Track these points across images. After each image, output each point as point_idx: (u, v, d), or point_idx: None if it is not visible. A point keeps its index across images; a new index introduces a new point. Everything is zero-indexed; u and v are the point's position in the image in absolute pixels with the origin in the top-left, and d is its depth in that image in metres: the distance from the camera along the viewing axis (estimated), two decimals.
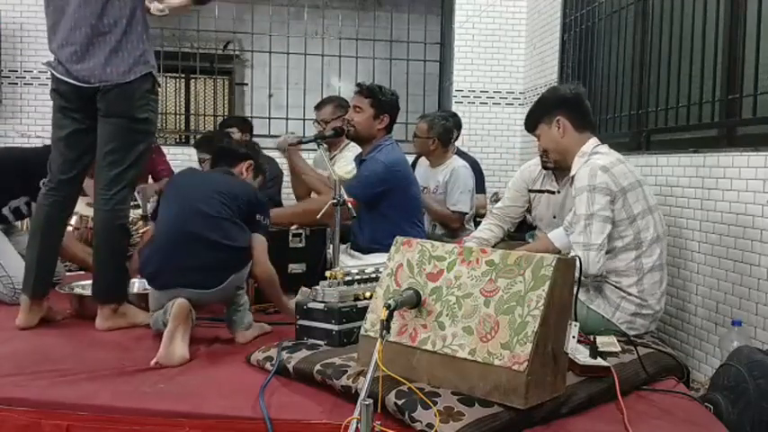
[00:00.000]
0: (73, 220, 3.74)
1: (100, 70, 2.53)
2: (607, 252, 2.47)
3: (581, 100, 2.70)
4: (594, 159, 2.48)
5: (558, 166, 3.00)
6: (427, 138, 4.20)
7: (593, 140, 2.59)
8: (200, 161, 4.09)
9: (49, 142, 2.78)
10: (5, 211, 3.17)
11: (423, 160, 4.44)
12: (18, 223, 3.49)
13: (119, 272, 2.66)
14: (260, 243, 2.55)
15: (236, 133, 4.52)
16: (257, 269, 2.54)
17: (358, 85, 3.36)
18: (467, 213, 4.13)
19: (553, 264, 1.72)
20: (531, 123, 2.77)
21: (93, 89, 2.56)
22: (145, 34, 2.63)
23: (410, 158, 4.16)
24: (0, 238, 3.11)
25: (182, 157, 5.10)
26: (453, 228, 4.12)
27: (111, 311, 2.61)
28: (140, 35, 2.60)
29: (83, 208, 3.88)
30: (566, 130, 2.61)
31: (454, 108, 5.50)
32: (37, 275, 2.67)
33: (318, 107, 4.24)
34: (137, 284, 2.95)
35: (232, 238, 2.44)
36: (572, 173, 2.58)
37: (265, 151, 4.08)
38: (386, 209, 3.20)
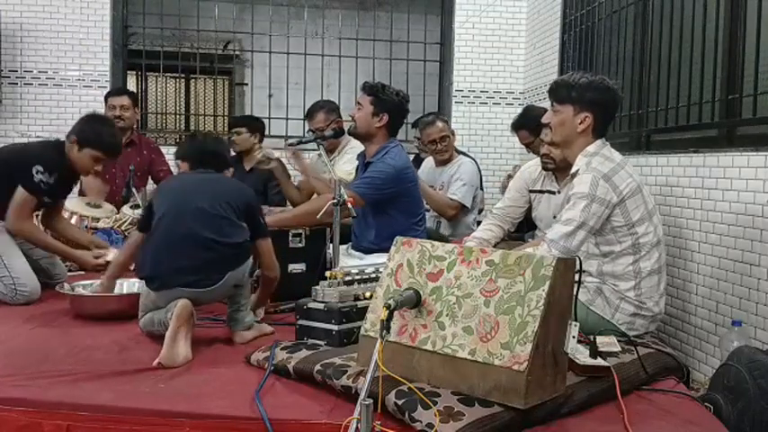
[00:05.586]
0: (73, 220, 3.74)
1: None
2: (605, 256, 2.48)
3: (616, 109, 2.63)
4: (597, 164, 2.45)
5: (557, 166, 3.01)
6: (448, 135, 4.17)
7: (600, 142, 2.55)
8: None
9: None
10: None
11: (428, 161, 4.42)
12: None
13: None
14: (268, 247, 2.59)
15: (243, 133, 4.46)
16: (270, 273, 2.62)
17: (364, 82, 3.39)
18: (465, 206, 4.07)
19: (553, 264, 1.72)
20: (561, 96, 2.54)
21: None
22: None
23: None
24: (9, 239, 3.11)
25: None
26: (449, 216, 4.07)
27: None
28: None
29: (82, 208, 3.89)
30: (585, 130, 2.51)
31: (454, 108, 5.51)
32: None
33: (309, 116, 4.23)
34: (125, 285, 2.93)
35: (227, 234, 2.42)
36: (573, 170, 2.56)
37: (276, 153, 4.09)
38: (391, 211, 3.22)
